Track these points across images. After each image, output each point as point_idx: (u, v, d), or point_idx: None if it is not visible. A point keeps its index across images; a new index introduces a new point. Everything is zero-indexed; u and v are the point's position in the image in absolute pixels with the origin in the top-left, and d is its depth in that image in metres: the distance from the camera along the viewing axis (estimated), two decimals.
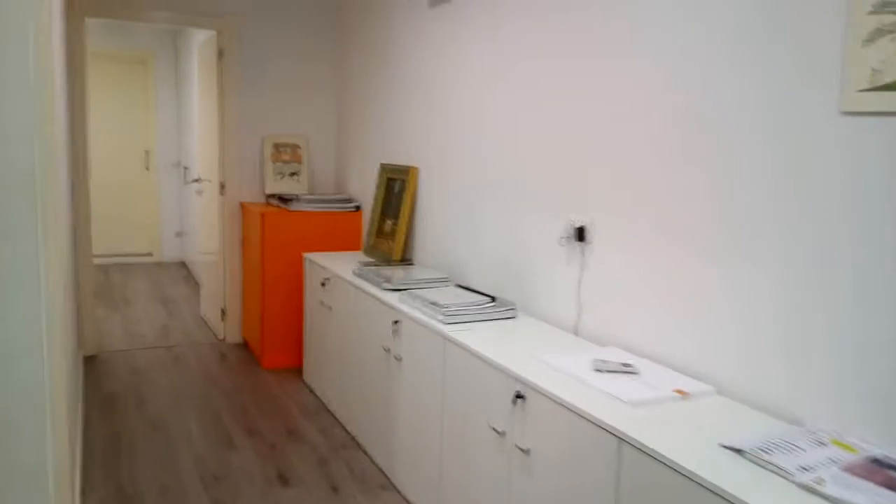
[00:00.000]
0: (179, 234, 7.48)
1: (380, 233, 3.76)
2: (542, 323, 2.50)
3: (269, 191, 4.45)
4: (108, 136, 7.18)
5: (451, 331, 2.33)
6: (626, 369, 1.94)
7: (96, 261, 7.15)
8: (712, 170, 1.84)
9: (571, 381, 1.88)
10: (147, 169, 7.40)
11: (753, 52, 1.71)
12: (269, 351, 4.11)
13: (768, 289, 1.70)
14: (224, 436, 3.16)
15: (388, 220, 3.70)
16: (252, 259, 4.23)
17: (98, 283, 6.26)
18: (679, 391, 1.80)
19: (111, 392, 3.61)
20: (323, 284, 3.50)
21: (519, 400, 1.92)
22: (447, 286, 2.89)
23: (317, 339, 3.65)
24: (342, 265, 3.48)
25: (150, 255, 7.44)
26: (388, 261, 3.55)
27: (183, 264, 7.37)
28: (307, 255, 3.77)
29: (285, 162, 4.49)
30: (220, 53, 4.35)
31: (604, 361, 1.97)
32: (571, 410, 1.73)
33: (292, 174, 4.51)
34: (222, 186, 4.45)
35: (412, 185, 3.49)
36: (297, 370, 4.09)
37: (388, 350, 2.77)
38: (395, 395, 2.72)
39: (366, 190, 4.17)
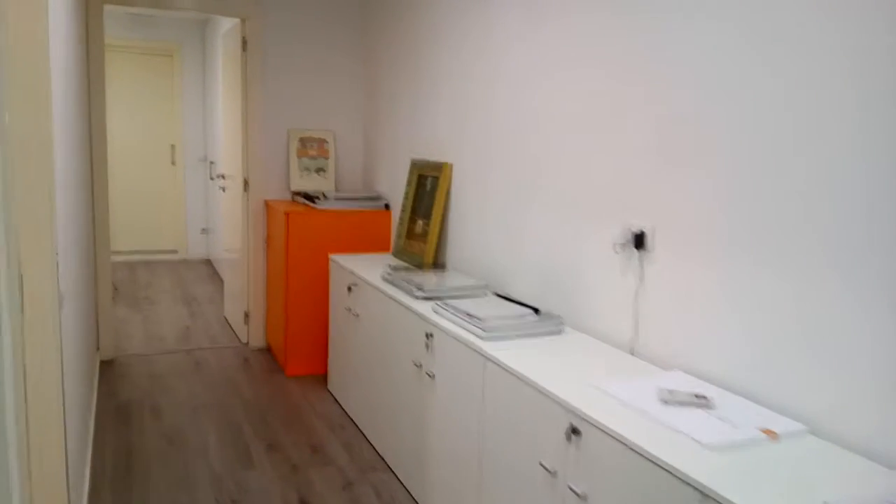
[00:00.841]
0: (205, 231, 7.34)
1: (410, 234, 3.52)
2: (592, 340, 2.23)
3: (294, 188, 4.23)
4: (134, 130, 7.05)
5: (492, 348, 2.07)
6: (699, 401, 1.66)
7: (122, 258, 7.04)
8: (812, 169, 1.55)
9: (635, 414, 1.61)
10: (173, 164, 7.26)
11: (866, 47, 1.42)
12: (293, 357, 3.90)
13: (872, 314, 1.41)
14: (243, 452, 2.95)
15: (419, 220, 3.45)
16: (276, 260, 4.02)
17: (123, 280, 6.13)
18: (767, 431, 1.51)
19: (126, 400, 3.43)
20: (349, 290, 3.27)
21: (574, 435, 1.66)
22: (485, 295, 2.63)
23: (342, 347, 3.42)
24: (370, 269, 3.25)
25: (175, 252, 7.31)
26: (419, 265, 3.30)
27: (208, 262, 7.22)
28: (333, 256, 3.54)
29: (311, 157, 4.27)
30: (245, 43, 4.14)
31: (671, 391, 1.70)
32: (638, 452, 1.46)
33: (319, 170, 4.29)
34: (246, 183, 4.25)
35: (445, 182, 3.23)
36: (322, 378, 3.87)
37: (419, 365, 2.52)
38: (427, 416, 2.48)
39: (395, 187, 3.93)
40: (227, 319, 5.00)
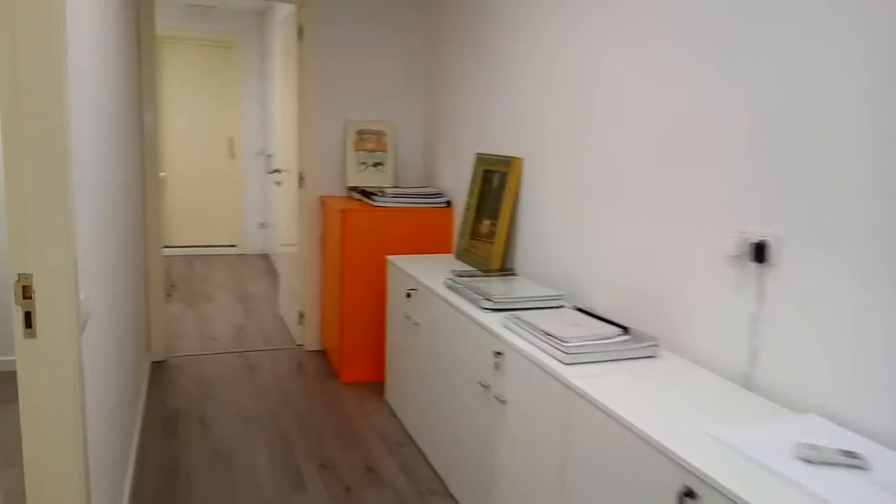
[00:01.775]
0: (263, 226, 7.23)
1: (475, 234, 3.22)
2: (694, 367, 1.88)
3: (350, 183, 3.99)
4: (193, 123, 6.98)
5: (575, 375, 1.76)
6: (850, 460, 1.31)
7: (181, 252, 7.00)
8: None
9: (769, 476, 1.27)
10: (231, 157, 7.17)
11: None
12: (349, 363, 3.66)
13: None
14: (293, 471, 2.72)
15: (484, 219, 3.14)
16: (331, 260, 3.79)
17: (180, 276, 6.06)
18: None
19: (174, 409, 3.26)
20: (408, 295, 2.99)
21: (688, 499, 1.33)
22: (562, 309, 2.31)
23: (400, 355, 3.16)
24: (430, 273, 2.97)
25: (233, 246, 7.22)
26: (485, 269, 3.00)
27: (266, 257, 7.11)
28: (391, 258, 3.28)
29: (369, 150, 4.01)
30: (301, 31, 3.91)
31: (813, 446, 1.35)
32: None
33: (376, 164, 4.03)
34: (301, 178, 4.03)
35: (514, 178, 2.92)
36: (379, 386, 3.62)
37: (487, 387, 2.23)
38: (496, 444, 2.18)
39: (458, 183, 3.63)
40: (282, 318, 4.82)
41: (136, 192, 3.36)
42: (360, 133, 4.01)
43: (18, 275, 1.34)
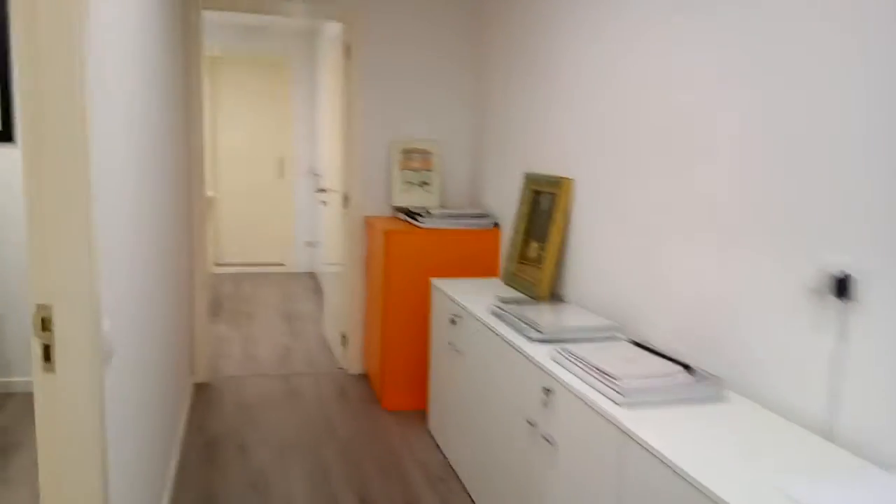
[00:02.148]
0: (311, 244, 7.23)
1: (523, 258, 3.08)
2: (766, 412, 1.70)
3: (395, 203, 3.91)
4: (244, 142, 7.06)
5: (632, 419, 1.60)
6: None
7: (229, 270, 7.05)
8: None
9: None
10: (281, 176, 7.21)
11: None
12: (391, 390, 3.55)
13: None
14: None
15: (532, 242, 3.01)
16: (375, 282, 3.71)
17: (227, 294, 6.08)
18: None
19: (214, 436, 3.20)
20: (452, 322, 2.87)
21: None
22: (617, 342, 2.14)
23: (444, 384, 3.03)
24: (476, 298, 2.84)
25: (281, 265, 7.25)
26: (533, 295, 2.86)
27: (313, 275, 7.10)
28: (435, 281, 3.17)
29: (415, 170, 3.93)
30: (347, 49, 3.88)
31: None
32: None
33: (422, 184, 3.94)
34: (346, 198, 3.97)
35: (565, 200, 2.77)
36: (422, 415, 3.50)
37: (534, 425, 2.08)
38: (544, 488, 2.02)
39: (506, 204, 3.50)
40: (325, 339, 4.76)
41: (181, 213, 3.34)
42: (406, 152, 3.93)
43: (37, 305, 1.27)
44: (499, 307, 2.53)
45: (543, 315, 2.39)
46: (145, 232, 2.07)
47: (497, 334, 2.39)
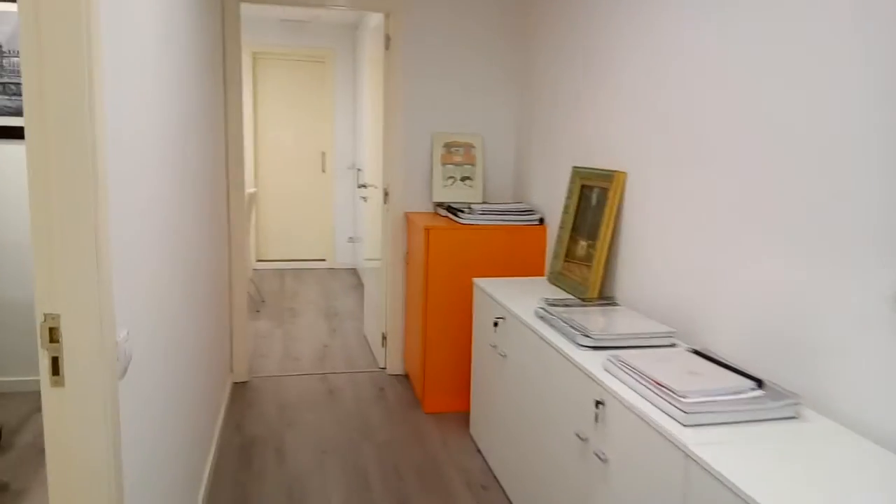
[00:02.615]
0: (352, 240, 7.17)
1: (570, 256, 2.91)
2: (848, 432, 1.50)
3: (437, 199, 3.77)
4: (286, 137, 7.03)
5: (697, 440, 1.43)
6: None
7: (273, 266, 7.04)
8: None
9: None
10: (323, 171, 7.16)
11: None
12: (432, 391, 3.43)
13: None
14: None
15: (581, 240, 2.83)
16: (415, 280, 3.58)
17: (271, 290, 6.06)
18: None
19: (252, 437, 3.12)
20: (496, 324, 2.72)
21: None
22: (676, 350, 1.96)
23: (487, 388, 2.89)
24: (520, 299, 2.68)
25: (323, 260, 7.20)
26: (581, 296, 2.69)
27: (354, 271, 7.04)
28: (478, 281, 3.02)
29: (457, 164, 3.79)
30: (387, 40, 3.75)
31: None
32: None
33: (464, 179, 3.79)
34: (386, 194, 3.86)
35: (616, 195, 2.59)
36: (464, 417, 3.36)
37: (585, 440, 1.92)
38: None
39: (552, 199, 3.33)
40: (366, 338, 4.67)
41: (218, 210, 3.28)
42: (448, 146, 3.79)
43: (45, 315, 1.17)
44: (545, 309, 2.37)
45: (593, 319, 2.22)
46: (174, 231, 1.98)
47: (543, 339, 2.23)
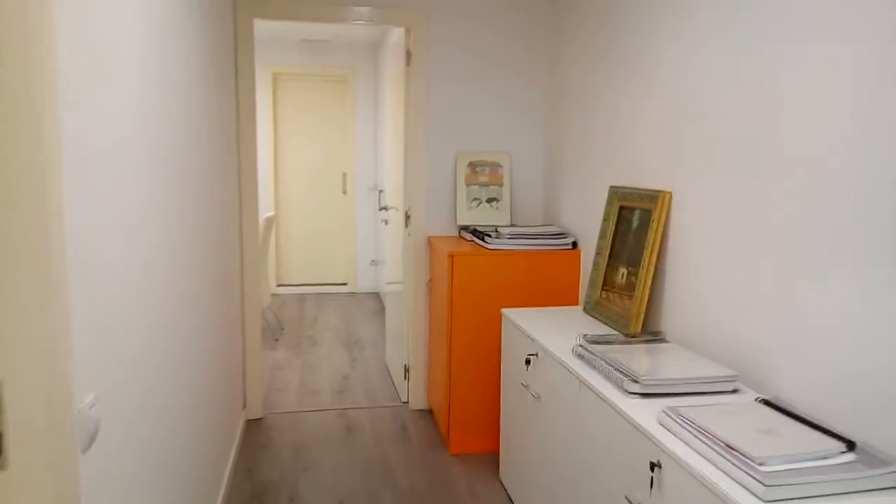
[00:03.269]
0: (375, 263, 6.96)
1: (609, 284, 2.65)
2: None
3: (461, 222, 3.55)
4: (307, 158, 6.88)
5: None
6: None
7: (293, 291, 6.86)
8: None
9: None
10: (344, 193, 6.98)
11: None
12: (458, 430, 3.17)
13: None
14: None
15: (620, 266, 2.57)
16: (439, 309, 3.34)
17: (290, 317, 5.86)
18: None
19: (264, 484, 2.89)
20: (528, 362, 2.47)
21: None
22: (742, 400, 1.70)
23: (518, 430, 2.62)
24: (555, 333, 2.43)
25: (344, 284, 7.00)
26: (623, 331, 2.42)
27: (377, 296, 6.82)
28: (507, 311, 2.77)
29: (482, 185, 3.56)
30: (409, 56, 3.56)
31: None
32: None
33: (490, 200, 3.56)
34: (407, 217, 3.64)
35: (661, 217, 2.33)
36: (492, 458, 3.10)
37: None
38: None
39: (586, 221, 3.08)
40: (388, 368, 4.43)
41: (230, 237, 3.08)
42: (473, 165, 3.57)
43: None
44: (584, 347, 2.12)
45: (640, 359, 1.95)
46: (169, 258, 1.78)
47: (584, 383, 1.97)
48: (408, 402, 3.78)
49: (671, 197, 2.32)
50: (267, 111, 6.63)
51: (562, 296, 3.13)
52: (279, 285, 6.87)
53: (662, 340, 2.19)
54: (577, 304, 3.14)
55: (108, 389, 1.26)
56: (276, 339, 5.12)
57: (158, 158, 1.68)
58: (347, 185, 6.94)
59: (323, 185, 6.94)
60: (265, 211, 6.70)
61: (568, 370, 2.10)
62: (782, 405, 1.59)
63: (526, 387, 2.51)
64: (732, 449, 1.36)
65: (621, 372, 1.87)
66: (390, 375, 4.30)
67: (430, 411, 3.69)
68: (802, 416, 1.52)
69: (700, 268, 2.15)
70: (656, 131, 2.43)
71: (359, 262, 6.98)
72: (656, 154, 2.43)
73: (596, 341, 2.16)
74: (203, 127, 2.36)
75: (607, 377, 1.93)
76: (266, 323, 5.34)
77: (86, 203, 1.15)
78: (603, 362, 1.97)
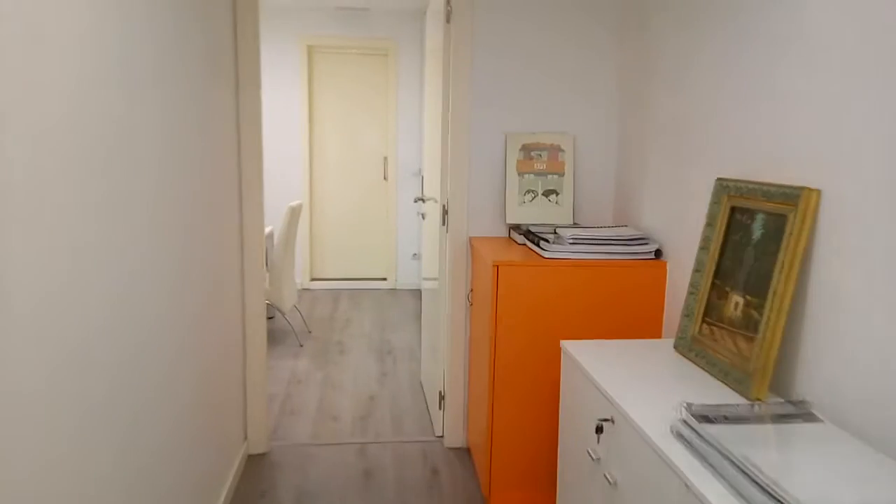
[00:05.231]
0: (417, 257, 6.32)
1: (714, 315, 1.90)
2: None
3: (511, 220, 2.84)
4: (343, 141, 6.25)
5: None
6: None
7: (328, 286, 6.28)
8: None
9: None
10: (385, 179, 6.34)
11: None
12: (501, 484, 2.49)
13: None
14: None
15: (734, 293, 1.82)
16: (481, 328, 2.65)
17: (320, 317, 5.27)
18: None
19: None
20: (599, 430, 1.75)
21: None
22: None
23: (581, 499, 1.92)
24: (638, 388, 1.70)
25: (384, 279, 6.38)
26: (739, 387, 1.68)
27: (418, 293, 6.18)
28: (568, 345, 2.05)
29: (538, 174, 2.84)
30: (449, 14, 2.86)
31: None
32: None
33: (548, 193, 2.84)
34: (445, 213, 2.95)
35: (803, 226, 1.58)
36: None
37: None
38: None
39: (676, 223, 2.33)
40: (422, 387, 3.78)
41: (228, 241, 2.46)
42: (527, 149, 2.85)
43: None
44: (689, 425, 1.39)
45: (784, 460, 1.22)
46: (122, 273, 1.14)
47: (692, 490, 1.26)
48: (442, 436, 3.12)
49: (819, 197, 1.56)
50: (301, 89, 6.02)
51: (640, 323, 2.39)
52: (313, 279, 6.30)
53: (809, 417, 1.44)
54: (660, 335, 2.40)
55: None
56: (301, 346, 4.53)
57: (109, 144, 1.04)
58: (388, 171, 6.30)
59: (362, 170, 6.31)
60: (291, 199, 6.12)
61: (664, 461, 1.38)
62: None
63: (596, 461, 1.80)
64: None
65: (760, 485, 1.14)
66: (424, 397, 3.65)
67: (468, 451, 3.02)
68: None
69: (865, 306, 1.39)
70: (798, 105, 1.66)
71: (400, 256, 6.35)
72: (796, 136, 1.66)
73: (707, 417, 1.43)
74: (178, 115, 1.72)
75: (735, 488, 1.21)
76: (291, 325, 4.76)
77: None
78: (727, 463, 1.25)
